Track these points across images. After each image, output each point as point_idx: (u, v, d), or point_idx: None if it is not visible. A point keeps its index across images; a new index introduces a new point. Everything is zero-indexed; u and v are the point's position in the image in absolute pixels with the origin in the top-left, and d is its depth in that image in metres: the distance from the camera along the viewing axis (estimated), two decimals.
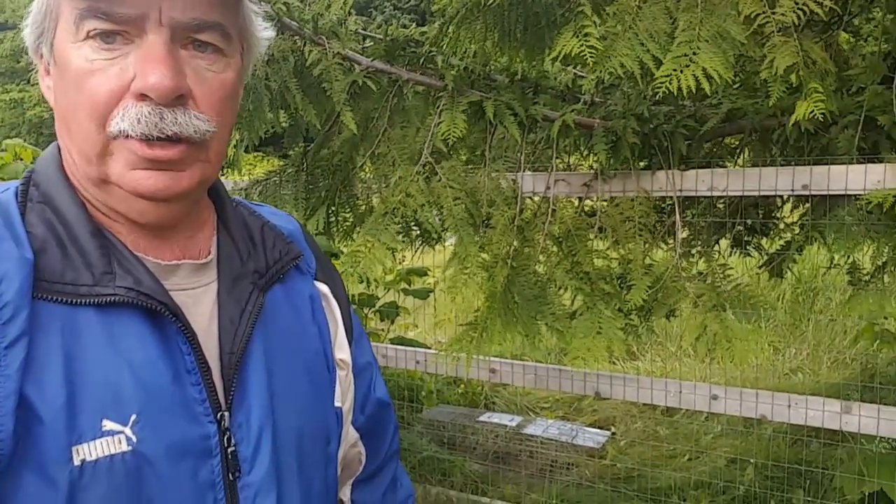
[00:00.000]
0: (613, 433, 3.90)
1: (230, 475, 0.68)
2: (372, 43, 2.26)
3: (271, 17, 2.03)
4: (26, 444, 0.59)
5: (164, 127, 0.63)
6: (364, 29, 2.36)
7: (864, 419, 2.00)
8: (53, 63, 0.68)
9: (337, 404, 0.81)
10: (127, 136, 0.63)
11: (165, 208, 0.68)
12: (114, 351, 0.64)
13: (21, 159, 2.88)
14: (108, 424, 0.62)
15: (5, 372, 0.59)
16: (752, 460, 3.24)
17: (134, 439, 0.62)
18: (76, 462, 0.60)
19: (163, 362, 0.65)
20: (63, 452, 0.60)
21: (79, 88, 0.64)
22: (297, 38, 2.12)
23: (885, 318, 3.50)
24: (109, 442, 0.61)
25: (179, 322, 0.67)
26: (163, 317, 0.66)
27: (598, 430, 3.89)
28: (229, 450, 0.68)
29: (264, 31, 0.75)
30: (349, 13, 2.26)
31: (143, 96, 0.63)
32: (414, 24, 2.88)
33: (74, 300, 0.63)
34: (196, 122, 0.65)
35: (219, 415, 0.68)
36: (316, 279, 0.84)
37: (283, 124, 2.60)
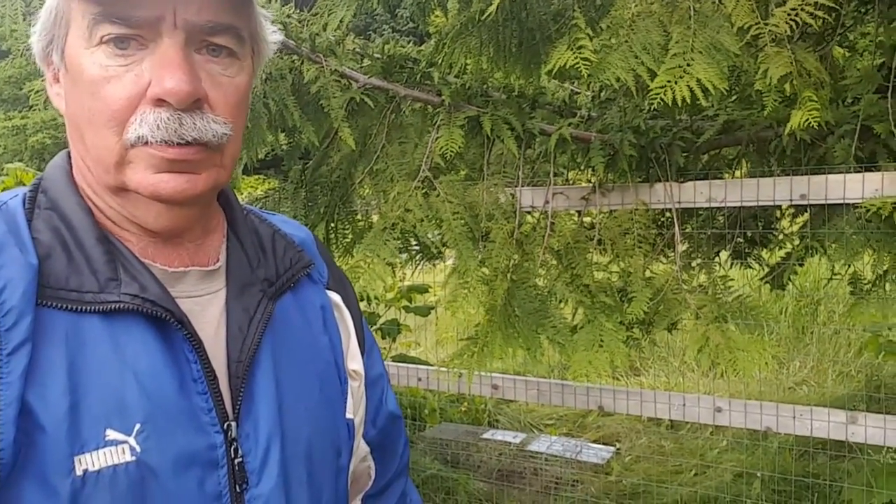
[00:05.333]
0: (618, 449, 3.87)
1: (237, 487, 0.66)
2: (369, 62, 2.27)
3: None
4: (28, 453, 0.58)
5: (184, 133, 0.63)
6: (362, 50, 2.37)
7: (871, 429, 1.97)
8: (64, 70, 0.67)
9: (348, 416, 0.79)
10: (146, 143, 0.63)
11: (179, 212, 0.68)
12: (118, 359, 0.62)
13: (23, 183, 2.90)
14: (112, 434, 0.61)
15: (7, 379, 0.58)
16: (759, 474, 3.21)
17: (138, 449, 0.61)
18: (78, 472, 0.59)
19: (168, 371, 0.64)
20: (65, 462, 0.59)
21: (94, 95, 0.63)
22: (294, 56, 2.14)
23: (889, 329, 3.48)
24: (113, 452, 0.60)
25: (185, 330, 0.66)
26: (168, 324, 0.65)
27: (603, 446, 3.86)
28: (236, 461, 0.66)
29: (272, 35, 0.74)
30: (347, 34, 2.28)
31: (160, 101, 0.62)
32: (411, 44, 2.91)
33: (79, 307, 0.63)
34: (214, 126, 0.64)
35: (226, 424, 0.66)
36: (328, 288, 0.83)
37: (284, 146, 2.61)
